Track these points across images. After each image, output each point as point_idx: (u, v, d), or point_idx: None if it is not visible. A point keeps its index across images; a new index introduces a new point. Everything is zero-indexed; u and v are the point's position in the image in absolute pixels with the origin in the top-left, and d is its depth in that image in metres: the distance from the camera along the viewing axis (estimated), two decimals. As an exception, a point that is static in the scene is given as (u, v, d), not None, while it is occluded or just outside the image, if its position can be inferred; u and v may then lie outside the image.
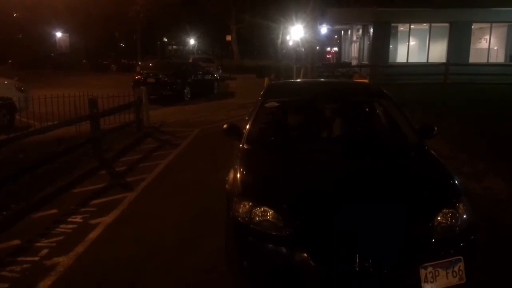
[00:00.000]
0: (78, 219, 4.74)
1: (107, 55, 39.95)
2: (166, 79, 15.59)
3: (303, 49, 26.74)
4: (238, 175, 3.38)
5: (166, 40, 62.51)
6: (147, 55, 40.67)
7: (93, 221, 4.65)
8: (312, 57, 18.65)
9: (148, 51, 45.59)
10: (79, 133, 8.04)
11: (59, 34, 40.63)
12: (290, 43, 41.55)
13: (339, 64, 29.53)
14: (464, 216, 2.93)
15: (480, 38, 24.57)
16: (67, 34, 40.93)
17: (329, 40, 43.61)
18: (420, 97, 13.98)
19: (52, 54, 36.65)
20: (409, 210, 2.91)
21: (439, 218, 2.88)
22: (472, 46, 23.77)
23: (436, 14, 22.57)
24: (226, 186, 3.62)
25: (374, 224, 2.82)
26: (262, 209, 2.97)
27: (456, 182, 3.23)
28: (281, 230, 2.87)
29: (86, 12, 34.59)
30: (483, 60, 23.26)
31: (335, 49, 43.69)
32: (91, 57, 38.48)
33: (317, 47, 31.16)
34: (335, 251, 2.74)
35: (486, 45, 24.23)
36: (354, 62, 27.70)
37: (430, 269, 2.70)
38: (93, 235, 4.31)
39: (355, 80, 6.64)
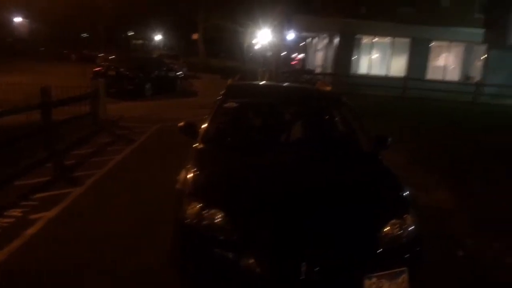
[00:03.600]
0: (17, 213, 4.47)
1: (67, 44, 38.58)
2: (127, 72, 15.14)
3: (270, 54, 26.91)
4: (190, 175, 3.28)
5: (132, 33, 61.14)
6: (110, 47, 39.60)
7: (33, 216, 4.40)
8: (277, 61, 18.77)
9: (112, 43, 44.41)
10: (29, 122, 7.63)
11: (18, 19, 38.87)
12: (258, 46, 41.74)
13: (304, 71, 29.88)
14: (411, 228, 2.95)
15: (439, 56, 25.58)
16: (28, 20, 39.23)
17: (296, 46, 44.06)
18: (378, 108, 14.33)
19: (8, 39, 34.98)
20: (358, 220, 2.90)
21: (387, 228, 2.88)
22: (430, 63, 24.72)
23: (399, 29, 23.31)
24: (177, 185, 3.50)
25: (323, 232, 2.79)
26: (212, 211, 2.89)
27: (406, 193, 3.26)
28: (230, 234, 2.79)
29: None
30: (440, 77, 24.22)
31: (301, 55, 44.20)
32: (51, 45, 37.02)
33: (284, 53, 31.45)
34: (282, 259, 2.69)
35: (444, 63, 25.25)
36: (318, 70, 28.12)
37: (374, 280, 2.69)
38: (31, 231, 4.07)
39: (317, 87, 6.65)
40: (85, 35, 50.60)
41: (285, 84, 6.59)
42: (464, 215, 5.24)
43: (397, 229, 2.91)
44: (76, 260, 3.60)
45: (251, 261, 2.69)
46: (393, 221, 2.92)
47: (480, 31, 23.46)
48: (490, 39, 23.33)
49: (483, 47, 24.25)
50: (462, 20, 23.15)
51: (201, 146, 3.81)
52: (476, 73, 24.71)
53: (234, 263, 2.74)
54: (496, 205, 5.65)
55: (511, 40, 22.26)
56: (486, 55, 24.30)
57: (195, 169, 3.35)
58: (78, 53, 36.62)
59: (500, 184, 6.61)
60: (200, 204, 2.92)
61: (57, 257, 3.64)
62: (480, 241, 4.51)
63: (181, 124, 4.09)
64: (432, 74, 24.26)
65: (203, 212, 2.89)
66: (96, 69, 15.75)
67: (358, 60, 25.15)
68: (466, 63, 25.45)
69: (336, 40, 24.72)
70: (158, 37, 55.73)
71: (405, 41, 24.33)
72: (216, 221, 2.85)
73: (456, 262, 4.05)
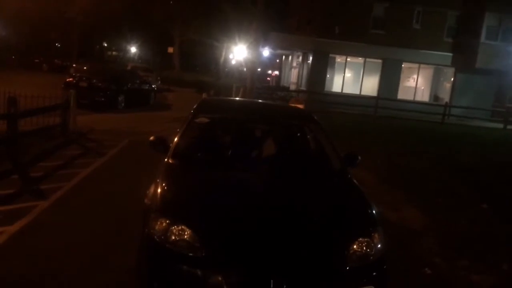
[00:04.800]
0: (-23, 227, 4.29)
1: (39, 54, 37.76)
2: (99, 84, 14.89)
3: (245, 69, 27.11)
4: (159, 190, 3.24)
5: (106, 45, 60.51)
6: (83, 57, 39.00)
7: (-5, 230, 4.23)
8: (252, 78, 18.89)
9: (85, 54, 43.78)
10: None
11: (-12, 27, 37.89)
12: (233, 62, 41.99)
13: (278, 88, 30.20)
14: (379, 246, 2.99)
15: (409, 77, 26.35)
16: (-3, 27, 38.26)
17: (271, 63, 44.56)
18: (350, 126, 14.57)
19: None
20: (326, 237, 2.92)
21: (355, 246, 2.92)
22: (401, 84, 25.42)
23: (371, 50, 23.91)
24: (145, 200, 3.44)
25: (290, 249, 2.80)
26: (180, 227, 2.85)
27: (374, 211, 3.31)
28: (197, 251, 2.76)
29: (20, 7, 32.54)
30: (410, 97, 24.89)
31: (276, 72, 44.70)
32: (22, 54, 36.14)
33: (259, 69, 31.71)
34: (250, 275, 2.68)
35: (414, 84, 26.01)
36: (292, 87, 28.46)
37: (341, 297, 2.71)
38: (-8, 245, 3.91)
39: (290, 105, 6.77)
40: (58, 44, 49.77)
41: (258, 100, 6.64)
42: (432, 234, 5.34)
43: (365, 247, 2.94)
44: (38, 275, 3.47)
45: (220, 278, 2.67)
46: (360, 239, 2.96)
47: (449, 55, 24.35)
48: (458, 63, 24.25)
49: (451, 70, 25.15)
50: (432, 43, 23.98)
51: (170, 161, 3.78)
52: (445, 94, 25.54)
53: (202, 280, 2.71)
54: (462, 222, 5.79)
55: (478, 64, 23.16)
56: (454, 78, 25.20)
57: (164, 185, 3.32)
58: (49, 63, 35.88)
59: (464, 201, 6.78)
60: (168, 220, 2.89)
61: (18, 273, 3.50)
62: (447, 259, 4.60)
63: (152, 138, 4.05)
64: (403, 94, 24.92)
65: (171, 228, 2.85)
66: (68, 79, 15.45)
67: (332, 78, 25.62)
68: (435, 84, 26.30)
69: (310, 58, 25.15)
70: (133, 49, 55.34)
71: (377, 61, 24.97)
72: (184, 237, 2.82)
73: (424, 281, 4.11)
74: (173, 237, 2.82)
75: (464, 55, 23.71)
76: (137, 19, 40.74)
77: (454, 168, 9.19)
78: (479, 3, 23.05)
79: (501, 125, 20.86)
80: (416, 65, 25.53)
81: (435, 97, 26.04)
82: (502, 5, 22.37)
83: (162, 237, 2.84)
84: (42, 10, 32.23)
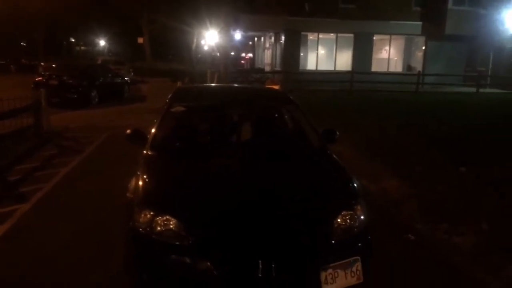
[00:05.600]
0: (-43, 235, 4.20)
1: (6, 55, 36.58)
2: (70, 81, 14.58)
3: (218, 54, 26.85)
4: (140, 183, 3.22)
5: (73, 40, 58.92)
6: (50, 54, 37.93)
7: (-24, 238, 4.15)
8: (226, 62, 18.77)
9: (53, 51, 42.59)
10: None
11: None
12: (206, 47, 41.49)
13: (253, 70, 30.07)
14: (362, 217, 3.06)
15: (382, 49, 26.55)
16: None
17: (244, 46, 44.22)
18: (327, 102, 14.68)
19: None
20: (310, 214, 2.97)
21: (339, 220, 2.97)
22: (374, 56, 25.60)
23: (342, 25, 23.95)
24: (127, 194, 3.42)
25: (276, 228, 2.83)
26: (164, 218, 2.85)
27: (355, 184, 3.36)
28: (184, 239, 2.77)
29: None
30: (384, 69, 25.14)
31: (250, 55, 44.42)
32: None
33: (232, 53, 31.47)
34: (238, 258, 2.71)
35: (387, 55, 26.23)
36: (267, 68, 28.39)
37: (330, 270, 2.77)
38: (-26, 253, 3.84)
39: (266, 86, 6.75)
40: (23, 43, 48.27)
41: (233, 85, 6.61)
42: (413, 201, 5.47)
43: (349, 219, 3.00)
44: (25, 281, 3.44)
45: (208, 264, 2.69)
46: (344, 212, 3.01)
47: (419, 24, 24.55)
48: (428, 31, 24.49)
49: (422, 39, 25.42)
50: (401, 13, 24.12)
51: (150, 152, 3.75)
52: (418, 63, 25.85)
53: (191, 268, 2.73)
54: (441, 188, 5.94)
55: (447, 31, 23.45)
56: (425, 46, 25.49)
57: (145, 177, 3.30)
58: (17, 63, 34.82)
59: (441, 168, 6.95)
60: (151, 212, 2.88)
61: (2, 278, 3.46)
62: (428, 224, 4.74)
63: (128, 132, 4.00)
64: (376, 66, 25.14)
65: (156, 219, 2.85)
66: (37, 79, 15.05)
67: (305, 56, 25.62)
68: (407, 54, 26.58)
69: (283, 38, 25.06)
70: (102, 43, 54.09)
71: (349, 36, 25.04)
72: (169, 227, 2.82)
73: (407, 247, 4.23)
74: (159, 228, 2.83)
75: (433, 23, 23.95)
76: (104, 10, 39.65)
77: (431, 136, 9.37)
78: (444, -31, 23.21)
79: (474, 89, 21.31)
80: (388, 37, 25.72)
81: (408, 67, 26.36)
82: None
83: (148, 229, 2.84)
84: (2, 8, 31.03)
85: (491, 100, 17.70)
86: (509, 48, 23.85)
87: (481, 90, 21.25)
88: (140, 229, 2.86)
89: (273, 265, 2.66)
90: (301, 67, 24.86)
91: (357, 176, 3.48)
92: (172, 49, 54.95)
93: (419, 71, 22.55)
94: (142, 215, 2.89)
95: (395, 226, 4.72)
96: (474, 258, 4.00)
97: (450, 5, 23.25)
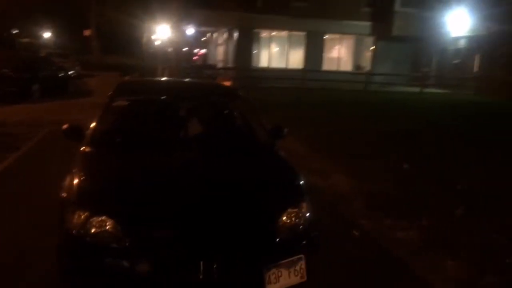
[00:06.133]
0: None
1: None
2: (11, 73, 13.75)
3: (170, 49, 26.30)
4: (75, 181, 3.01)
5: (16, 31, 55.72)
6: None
7: None
8: (178, 57, 18.41)
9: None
10: None
11: None
12: (158, 42, 40.54)
13: (206, 66, 29.75)
14: (307, 215, 3.01)
15: (332, 48, 27.04)
16: None
17: (197, 41, 43.59)
18: (279, 100, 14.73)
19: None
20: (254, 212, 2.89)
21: (283, 218, 2.91)
22: (325, 55, 26.04)
23: (294, 23, 24.14)
24: (61, 193, 3.18)
25: (219, 228, 2.73)
26: (100, 219, 2.67)
27: (301, 182, 3.32)
28: (121, 241, 2.62)
29: None
30: (334, 67, 25.63)
31: (203, 51, 43.88)
32: None
33: (185, 48, 30.93)
34: (178, 260, 2.59)
35: (337, 54, 26.77)
36: (220, 65, 28.14)
37: (273, 270, 2.71)
38: None
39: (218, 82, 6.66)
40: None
41: (182, 79, 6.43)
42: (359, 197, 5.56)
43: (294, 217, 2.95)
44: None
45: (147, 266, 2.56)
46: (289, 209, 2.96)
47: (368, 24, 25.20)
48: (377, 31, 25.20)
49: (371, 39, 26.12)
50: (351, 13, 24.63)
51: (87, 149, 3.53)
52: (367, 63, 26.56)
53: (129, 271, 2.58)
54: (386, 184, 6.08)
55: (394, 32, 24.23)
56: (373, 46, 26.24)
57: (81, 174, 3.09)
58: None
59: (388, 163, 7.13)
60: (86, 212, 2.69)
61: None
62: (373, 220, 4.81)
63: (65, 127, 3.77)
64: (327, 65, 25.57)
65: (91, 220, 2.67)
66: (-26, 72, 14.04)
67: (258, 54, 25.61)
68: (357, 54, 27.20)
69: (236, 35, 24.93)
70: (47, 35, 51.49)
71: (301, 34, 25.30)
72: (105, 229, 2.65)
73: (353, 242, 4.27)
74: (94, 230, 2.65)
75: (381, 24, 24.65)
76: (50, 1, 37.78)
77: (377, 133, 9.62)
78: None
79: (417, 89, 22.18)
80: (338, 36, 26.23)
81: (357, 66, 27.02)
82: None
83: (82, 231, 2.65)
84: None
85: (434, 102, 18.36)
86: (452, 50, 25.04)
87: (425, 90, 22.15)
88: (74, 231, 2.67)
89: (215, 266, 2.57)
90: (253, 64, 24.85)
91: (307, 172, 3.45)
92: (122, 43, 53.21)
93: (368, 71, 23.17)
94: (76, 215, 2.70)
95: (341, 222, 4.76)
96: (415, 253, 4.09)
97: (397, 6, 24.01)
